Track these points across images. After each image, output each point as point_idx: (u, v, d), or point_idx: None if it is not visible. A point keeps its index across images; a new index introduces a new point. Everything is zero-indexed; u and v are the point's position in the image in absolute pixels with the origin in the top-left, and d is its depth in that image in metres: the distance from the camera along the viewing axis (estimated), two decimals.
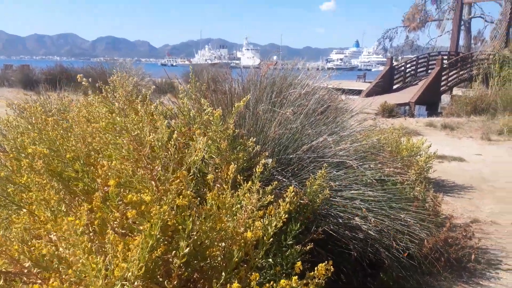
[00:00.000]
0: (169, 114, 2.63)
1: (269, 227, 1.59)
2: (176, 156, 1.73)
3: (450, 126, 10.87)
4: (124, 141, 1.40)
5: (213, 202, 1.58)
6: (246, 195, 1.69)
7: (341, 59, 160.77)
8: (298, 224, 1.97)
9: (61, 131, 1.52)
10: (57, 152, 1.53)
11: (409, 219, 2.61)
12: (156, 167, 1.45)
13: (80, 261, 0.93)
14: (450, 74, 18.35)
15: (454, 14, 23.91)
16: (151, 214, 1.30)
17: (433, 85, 16.89)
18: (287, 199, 1.62)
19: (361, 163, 2.95)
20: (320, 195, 2.24)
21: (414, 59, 20.81)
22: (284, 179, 2.58)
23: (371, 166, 3.05)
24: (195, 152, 1.61)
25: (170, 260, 1.58)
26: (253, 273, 1.51)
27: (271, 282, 1.39)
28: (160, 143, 1.44)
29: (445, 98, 18.72)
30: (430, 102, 16.37)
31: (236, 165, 1.74)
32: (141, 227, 1.40)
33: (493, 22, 24.39)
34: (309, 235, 2.17)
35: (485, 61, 17.70)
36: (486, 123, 10.99)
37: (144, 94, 2.25)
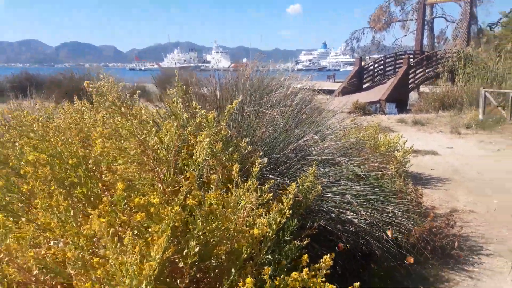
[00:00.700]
0: (158, 118, 2.63)
1: (273, 223, 1.64)
2: (176, 158, 1.75)
3: (420, 122, 11.27)
4: (132, 145, 1.41)
5: (217, 201, 1.61)
6: (246, 194, 1.72)
7: (310, 60, 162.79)
8: (295, 220, 2.02)
9: (63, 137, 1.51)
10: (59, 158, 1.52)
11: (396, 211, 2.72)
12: (163, 169, 1.46)
13: (109, 261, 0.94)
14: (417, 72, 19.02)
15: (417, 14, 24.83)
16: (163, 215, 1.32)
17: (401, 83, 17.45)
18: (290, 195, 1.67)
19: (346, 159, 3.05)
20: (312, 192, 2.30)
21: (381, 58, 21.35)
22: (276, 178, 2.63)
23: (356, 162, 3.15)
24: (198, 153, 1.63)
25: (177, 260, 1.60)
26: (260, 268, 1.55)
27: (282, 275, 1.43)
28: (166, 146, 1.46)
29: (413, 95, 19.38)
30: (399, 99, 16.90)
31: (237, 165, 1.77)
32: (150, 229, 1.41)
33: (454, 21, 25.47)
34: (303, 230, 2.23)
35: (449, 59, 18.45)
36: (454, 117, 11.47)
37: (135, 99, 2.25)
